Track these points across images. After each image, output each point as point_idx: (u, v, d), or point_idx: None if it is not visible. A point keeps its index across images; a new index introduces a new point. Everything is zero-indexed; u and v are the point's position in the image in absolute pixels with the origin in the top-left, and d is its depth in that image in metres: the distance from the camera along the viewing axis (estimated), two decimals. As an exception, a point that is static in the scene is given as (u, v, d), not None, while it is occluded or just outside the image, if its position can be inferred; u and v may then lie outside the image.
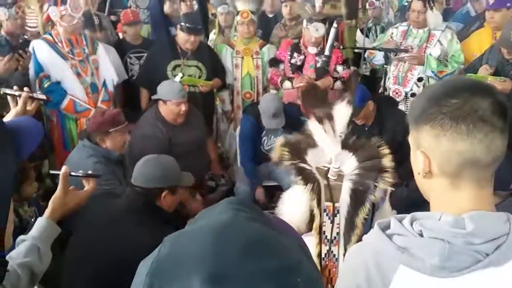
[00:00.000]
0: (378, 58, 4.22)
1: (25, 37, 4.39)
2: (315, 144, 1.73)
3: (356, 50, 4.65)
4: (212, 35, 5.14)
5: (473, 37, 4.24)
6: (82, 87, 3.68)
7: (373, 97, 3.45)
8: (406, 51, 4.07)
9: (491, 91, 0.92)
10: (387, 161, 1.67)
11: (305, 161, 1.70)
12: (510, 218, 0.91)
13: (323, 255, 1.69)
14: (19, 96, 2.06)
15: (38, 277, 1.57)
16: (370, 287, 0.94)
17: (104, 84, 3.86)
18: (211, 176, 3.87)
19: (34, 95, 2.13)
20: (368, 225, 1.67)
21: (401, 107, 4.06)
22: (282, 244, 0.74)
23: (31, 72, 3.59)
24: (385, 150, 1.68)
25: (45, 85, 3.57)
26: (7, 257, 1.48)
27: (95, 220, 2.09)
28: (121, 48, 4.41)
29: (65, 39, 3.63)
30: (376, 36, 5.01)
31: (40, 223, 1.64)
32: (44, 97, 2.23)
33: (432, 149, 0.94)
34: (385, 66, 4.20)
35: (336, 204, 1.66)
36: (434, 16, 4.02)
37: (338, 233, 1.68)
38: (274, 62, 4.13)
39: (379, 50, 4.18)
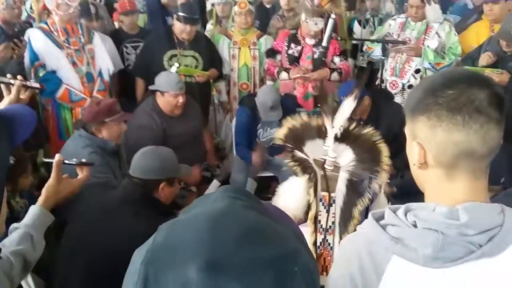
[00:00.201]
0: (377, 52, 4.21)
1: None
2: (314, 136, 1.75)
3: (353, 42, 4.64)
4: (209, 26, 5.11)
5: (471, 29, 4.24)
6: (77, 77, 3.65)
7: (368, 92, 3.46)
8: (404, 42, 4.07)
9: (488, 82, 0.92)
10: (383, 153, 1.69)
11: (302, 151, 1.71)
12: (504, 210, 0.91)
13: (318, 244, 1.70)
14: (13, 84, 2.04)
15: (31, 265, 1.57)
16: (363, 277, 0.94)
17: (100, 73, 3.84)
18: (206, 166, 3.87)
19: (28, 83, 2.11)
20: (363, 216, 1.68)
21: (398, 98, 4.06)
22: (279, 232, 0.74)
23: (27, 60, 3.56)
24: (381, 143, 1.70)
25: (40, 74, 3.54)
26: (0, 245, 1.48)
27: (90, 211, 2.09)
28: (118, 37, 4.39)
29: (61, 28, 3.60)
30: (374, 28, 5.00)
31: (33, 211, 1.64)
32: (37, 85, 2.22)
33: (428, 140, 0.93)
34: (382, 57, 4.19)
35: (332, 194, 1.68)
36: (432, 10, 4.01)
37: (333, 222, 1.69)
38: (271, 52, 4.11)
39: (378, 41, 4.17)
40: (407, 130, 1.01)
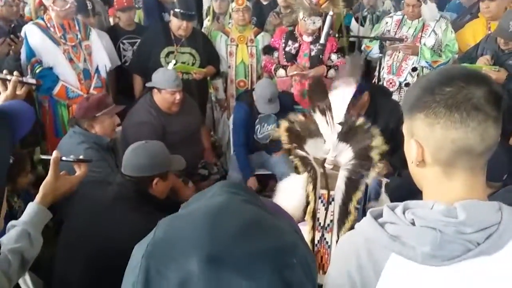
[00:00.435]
0: (375, 51, 4.21)
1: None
2: (315, 134, 1.76)
3: (350, 39, 4.63)
4: (206, 22, 5.10)
5: (468, 27, 4.24)
6: (74, 73, 3.64)
7: (367, 87, 3.45)
8: (401, 40, 4.07)
9: (486, 80, 0.92)
10: (380, 150, 1.69)
11: (303, 149, 1.72)
12: (502, 208, 0.91)
13: (316, 242, 1.70)
14: (9, 80, 2.03)
15: (29, 263, 1.56)
16: (361, 275, 0.95)
17: (97, 70, 3.83)
18: (204, 164, 3.86)
19: (24, 79, 2.10)
20: (361, 215, 1.69)
21: (395, 97, 4.06)
22: (277, 226, 0.75)
23: (23, 57, 3.55)
24: (378, 140, 1.70)
25: (37, 71, 3.52)
26: (-3, 243, 1.47)
27: (88, 208, 2.08)
28: (114, 33, 4.37)
29: (57, 24, 3.58)
30: (372, 26, 4.99)
31: (31, 208, 1.63)
32: (34, 81, 2.21)
33: (426, 138, 0.94)
34: (380, 55, 4.20)
35: (331, 192, 1.68)
36: (428, 10, 4.01)
37: (332, 221, 1.70)
38: (268, 49, 4.10)
39: (375, 38, 4.17)
40: (405, 128, 1.01)
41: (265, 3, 5.24)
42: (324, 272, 1.65)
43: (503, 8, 3.96)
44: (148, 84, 3.49)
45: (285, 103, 3.69)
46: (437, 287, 0.90)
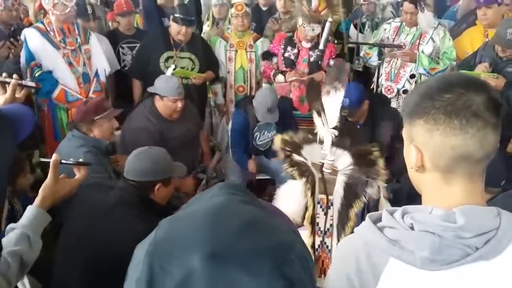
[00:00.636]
0: (374, 58, 4.23)
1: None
2: (311, 140, 1.77)
3: (349, 45, 4.65)
4: (206, 27, 5.11)
5: (465, 35, 4.26)
6: (73, 77, 3.65)
7: (367, 96, 3.46)
8: (400, 47, 4.09)
9: (485, 87, 0.93)
10: (378, 157, 1.71)
11: (300, 154, 1.73)
12: (500, 213, 0.92)
13: (316, 246, 1.71)
14: (9, 83, 2.03)
15: (28, 266, 1.56)
16: (360, 279, 0.95)
17: (96, 74, 3.83)
18: (202, 168, 3.86)
19: (23, 82, 2.11)
20: (360, 219, 1.69)
21: (393, 103, 4.07)
22: (275, 225, 0.78)
23: (23, 60, 3.55)
24: (377, 148, 1.72)
25: (36, 74, 3.53)
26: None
27: (87, 211, 2.08)
28: (114, 38, 4.38)
29: (57, 28, 3.59)
30: (372, 32, 5.01)
31: (30, 211, 1.63)
32: (33, 84, 2.22)
33: (425, 144, 0.94)
34: (379, 61, 4.21)
35: (330, 197, 1.69)
36: (424, 18, 4.03)
37: (331, 225, 1.70)
38: (267, 55, 4.11)
39: (373, 45, 4.19)
40: (404, 133, 1.01)
41: (264, 8, 5.26)
42: (325, 276, 1.66)
43: (500, 16, 3.98)
44: (150, 90, 3.49)
45: (284, 109, 3.70)
46: (436, 291, 0.90)
